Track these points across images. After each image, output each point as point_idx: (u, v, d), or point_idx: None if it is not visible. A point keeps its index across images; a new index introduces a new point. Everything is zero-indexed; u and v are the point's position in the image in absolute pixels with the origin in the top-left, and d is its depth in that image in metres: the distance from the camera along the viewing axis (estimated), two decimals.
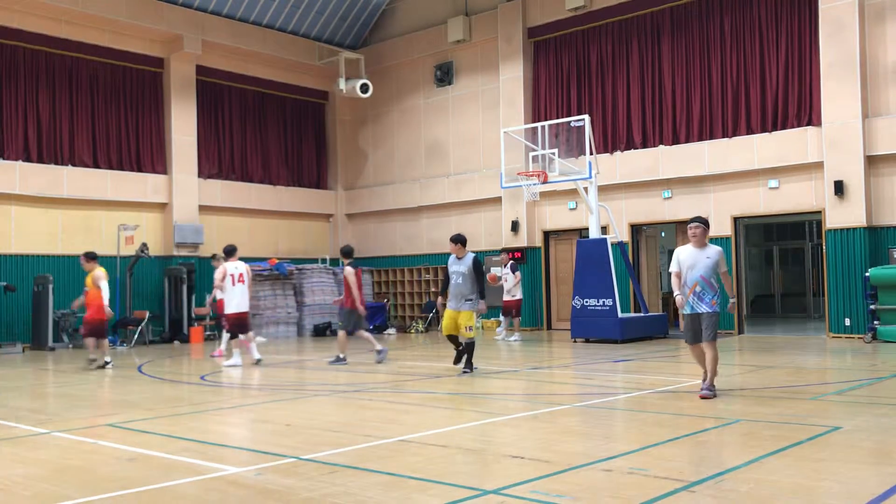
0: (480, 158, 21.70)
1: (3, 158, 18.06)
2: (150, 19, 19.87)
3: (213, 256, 16.56)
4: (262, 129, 23.08)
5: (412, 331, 21.74)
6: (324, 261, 23.63)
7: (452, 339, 11.35)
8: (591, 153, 16.68)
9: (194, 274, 20.06)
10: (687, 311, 8.31)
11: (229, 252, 13.44)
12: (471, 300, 11.07)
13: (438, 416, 7.87)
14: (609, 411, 7.86)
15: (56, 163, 18.84)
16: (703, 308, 8.22)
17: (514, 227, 20.58)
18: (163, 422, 7.60)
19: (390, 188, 23.69)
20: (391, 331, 21.65)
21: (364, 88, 22.55)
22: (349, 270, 13.11)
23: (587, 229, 17.56)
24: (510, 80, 20.87)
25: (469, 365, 11.07)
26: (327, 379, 11.31)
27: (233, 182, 22.20)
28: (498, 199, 20.98)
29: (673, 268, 8.49)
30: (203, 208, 21.24)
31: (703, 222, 8.43)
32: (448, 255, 22.13)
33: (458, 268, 11.21)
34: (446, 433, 6.70)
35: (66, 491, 4.92)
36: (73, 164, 19.13)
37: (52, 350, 17.34)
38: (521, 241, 20.53)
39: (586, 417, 7.50)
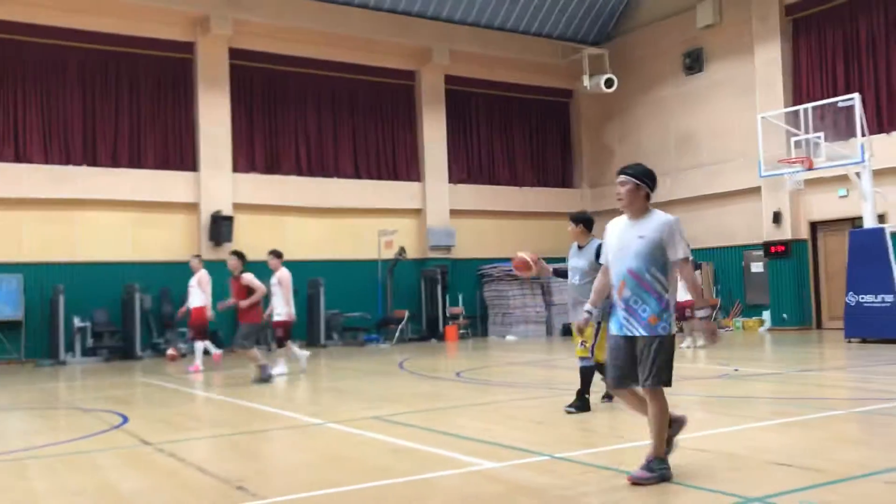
0: (736, 147, 20.54)
1: (280, 174, 19.95)
2: (402, 35, 21.01)
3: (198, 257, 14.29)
4: (507, 132, 23.54)
5: None
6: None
7: (600, 368, 7.66)
8: (864, 135, 15.16)
9: (448, 275, 20.93)
10: (613, 330, 5.04)
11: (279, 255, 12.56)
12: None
13: (696, 419, 7.51)
14: (890, 418, 7.08)
15: (323, 175, 20.48)
16: (637, 329, 4.88)
17: (777, 218, 19.25)
18: (423, 416, 7.94)
19: None
20: None
21: (609, 83, 22.22)
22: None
23: (861, 218, 15.99)
24: (766, 63, 19.56)
25: (580, 398, 7.76)
26: (577, 378, 11.25)
27: (481, 186, 22.86)
28: (757, 190, 19.74)
29: (601, 257, 5.34)
30: (454, 212, 22.07)
31: (639, 175, 5.00)
32: (710, 249, 20.56)
33: (577, 262, 8.07)
34: (705, 437, 6.39)
35: (337, 477, 5.30)
36: (338, 176, 20.71)
37: (325, 347, 18.85)
38: (785, 233, 19.16)
39: (864, 424, 6.82)
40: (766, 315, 19.80)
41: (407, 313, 19.91)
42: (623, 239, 4.99)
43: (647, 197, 4.99)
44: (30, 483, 5.46)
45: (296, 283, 19.19)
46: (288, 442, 6.66)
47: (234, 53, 19.33)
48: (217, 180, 18.85)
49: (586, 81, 22.47)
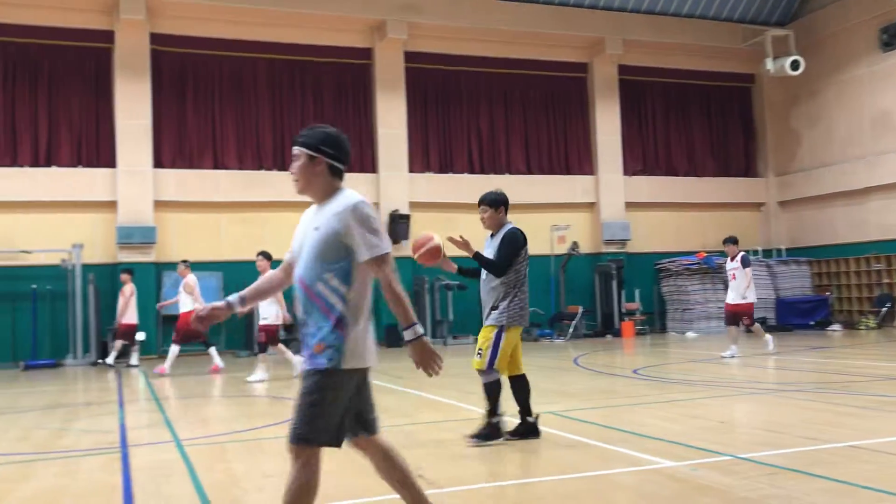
0: None
1: (453, 172, 20.36)
2: (573, 27, 20.82)
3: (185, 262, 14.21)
4: (684, 120, 22.77)
5: (861, 327, 19.61)
6: (755, 252, 22.47)
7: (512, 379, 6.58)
8: None
9: (623, 270, 20.53)
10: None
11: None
12: (497, 308, 6.31)
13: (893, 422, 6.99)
14: None
15: (495, 172, 20.69)
16: (305, 360, 3.60)
17: None
18: (599, 412, 7.87)
19: (828, 170, 21.67)
20: (836, 326, 19.81)
21: (795, 65, 20.95)
22: None
23: None
24: None
25: (488, 423, 6.33)
26: (764, 377, 10.75)
27: (657, 177, 22.26)
28: None
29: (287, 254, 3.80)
30: (629, 205, 21.63)
31: (314, 143, 3.57)
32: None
33: (486, 252, 6.52)
34: None
35: (513, 471, 5.37)
36: (510, 172, 20.85)
37: None
38: None
39: None
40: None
41: (581, 309, 19.72)
42: (302, 234, 3.63)
43: (335, 172, 3.58)
44: (230, 465, 5.92)
45: (469, 279, 19.73)
46: (462, 433, 6.81)
47: (409, 56, 19.92)
48: (394, 181, 19.53)
49: (770, 65, 21.29)
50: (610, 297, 20.37)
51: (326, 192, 3.57)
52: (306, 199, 3.55)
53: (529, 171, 21.07)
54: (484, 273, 6.39)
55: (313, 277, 3.48)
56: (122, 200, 17.49)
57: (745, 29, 22.38)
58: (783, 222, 23.30)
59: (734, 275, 13.16)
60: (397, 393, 10.29)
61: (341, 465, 5.79)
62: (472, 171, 20.55)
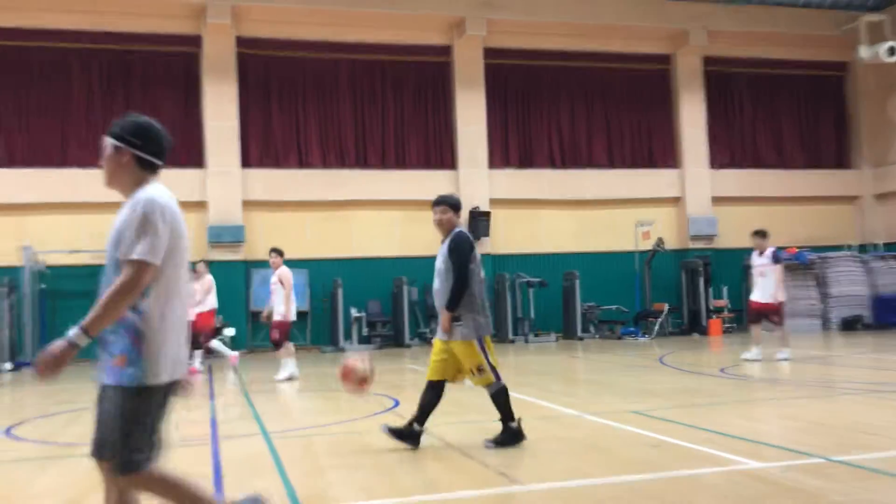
0: None
1: (534, 168, 20.27)
2: (656, 19, 20.45)
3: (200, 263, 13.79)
4: (773, 111, 22.11)
5: None
6: (850, 248, 21.63)
7: (436, 387, 6.49)
8: None
9: (710, 266, 20.06)
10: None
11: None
12: (460, 322, 6.17)
13: None
14: None
15: (577, 167, 20.50)
16: (102, 374, 3.19)
17: None
18: (684, 412, 7.73)
19: None
20: None
21: (891, 52, 20.05)
22: None
23: None
24: None
25: (506, 429, 6.20)
26: (858, 377, 10.36)
27: (745, 170, 21.68)
28: None
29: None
30: (716, 199, 21.12)
31: (120, 132, 3.30)
32: None
33: (437, 260, 6.37)
34: None
35: (596, 469, 5.33)
36: (592, 167, 20.62)
37: (581, 340, 18.86)
38: None
39: None
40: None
41: (667, 306, 19.35)
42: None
43: (145, 165, 3.30)
44: (316, 457, 6.05)
45: (550, 276, 19.63)
46: (546, 432, 6.79)
47: (488, 53, 19.92)
48: (474, 177, 19.56)
49: (863, 52, 20.43)
50: (697, 295, 19.94)
51: (133, 185, 3.28)
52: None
53: (612, 166, 20.80)
54: (437, 283, 6.27)
55: (107, 279, 3.16)
56: (212, 200, 18.04)
57: (837, 15, 21.55)
58: (879, 216, 22.35)
59: (763, 271, 12.13)
60: (473, 389, 10.32)
61: (406, 457, 5.85)
62: (552, 167, 20.42)
